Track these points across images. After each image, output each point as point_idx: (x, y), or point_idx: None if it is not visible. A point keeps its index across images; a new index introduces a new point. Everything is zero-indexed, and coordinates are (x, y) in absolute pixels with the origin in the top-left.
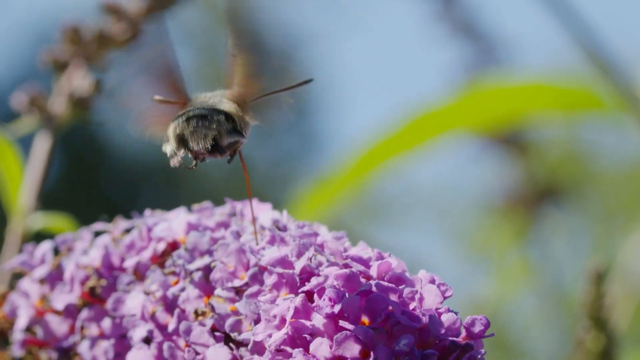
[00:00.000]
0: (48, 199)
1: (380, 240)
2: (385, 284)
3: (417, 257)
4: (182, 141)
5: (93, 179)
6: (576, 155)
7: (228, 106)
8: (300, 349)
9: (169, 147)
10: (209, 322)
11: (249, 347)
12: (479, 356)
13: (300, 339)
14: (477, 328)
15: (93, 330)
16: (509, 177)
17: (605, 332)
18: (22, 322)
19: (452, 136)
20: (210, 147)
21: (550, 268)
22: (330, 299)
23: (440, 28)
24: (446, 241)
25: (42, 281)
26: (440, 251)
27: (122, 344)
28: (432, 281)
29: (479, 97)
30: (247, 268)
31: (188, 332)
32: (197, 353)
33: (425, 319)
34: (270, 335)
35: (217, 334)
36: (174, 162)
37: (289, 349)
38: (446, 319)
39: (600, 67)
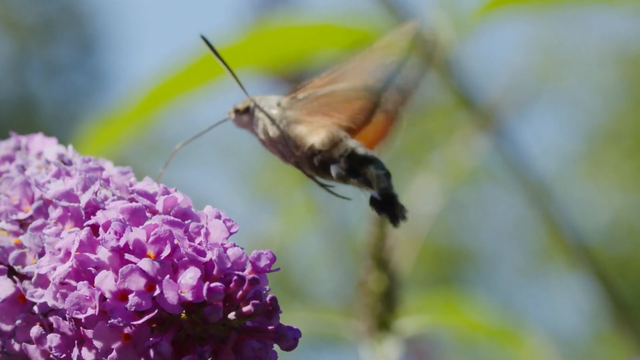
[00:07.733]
0: None
1: (166, 179)
2: (171, 218)
3: (203, 196)
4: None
5: None
6: None
7: None
8: (85, 281)
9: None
10: None
11: (33, 280)
12: (264, 292)
13: (85, 272)
14: (263, 262)
15: None
16: None
17: (387, 273)
18: None
19: (239, 74)
20: None
21: (335, 208)
22: (115, 232)
23: None
24: (232, 181)
25: None
26: (227, 190)
27: None
28: (218, 216)
29: (267, 35)
30: (32, 201)
31: None
32: None
33: (211, 253)
34: (54, 268)
35: (0, 267)
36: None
37: (73, 282)
38: (232, 253)
39: (388, 6)
